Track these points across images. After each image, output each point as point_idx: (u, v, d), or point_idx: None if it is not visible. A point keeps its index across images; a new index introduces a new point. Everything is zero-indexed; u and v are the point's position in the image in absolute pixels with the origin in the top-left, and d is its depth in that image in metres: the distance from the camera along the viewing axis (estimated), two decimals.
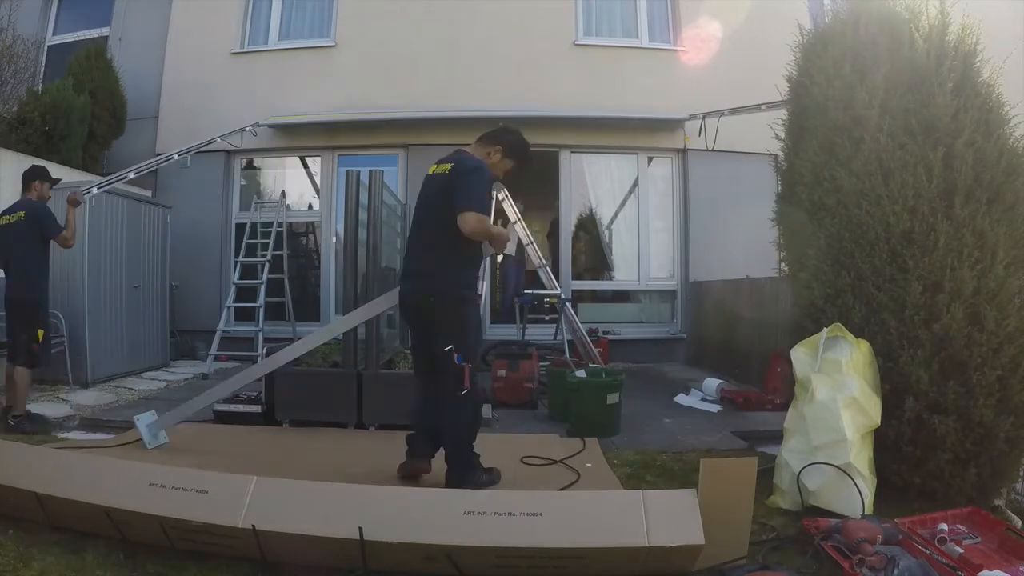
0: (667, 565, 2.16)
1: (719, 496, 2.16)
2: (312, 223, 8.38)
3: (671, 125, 7.59)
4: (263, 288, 6.77)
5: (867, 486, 2.62)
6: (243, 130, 6.54)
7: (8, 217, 4.14)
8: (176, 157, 6.12)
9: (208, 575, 2.18)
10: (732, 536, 2.24)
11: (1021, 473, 2.92)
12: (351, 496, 2.33)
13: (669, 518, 2.15)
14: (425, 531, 2.14)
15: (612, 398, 4.14)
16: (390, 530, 2.12)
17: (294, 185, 8.37)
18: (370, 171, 4.47)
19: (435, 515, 2.21)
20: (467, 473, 2.96)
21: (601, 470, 3.38)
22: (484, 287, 6.58)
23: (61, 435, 4.06)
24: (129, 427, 4.26)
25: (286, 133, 7.79)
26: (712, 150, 6.65)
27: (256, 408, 4.29)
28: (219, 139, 6.18)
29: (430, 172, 3.00)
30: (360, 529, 2.09)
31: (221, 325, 6.70)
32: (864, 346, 2.77)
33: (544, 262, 5.56)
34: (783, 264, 3.57)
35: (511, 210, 5.24)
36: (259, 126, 7.16)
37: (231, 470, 2.62)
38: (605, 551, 2.12)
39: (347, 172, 4.39)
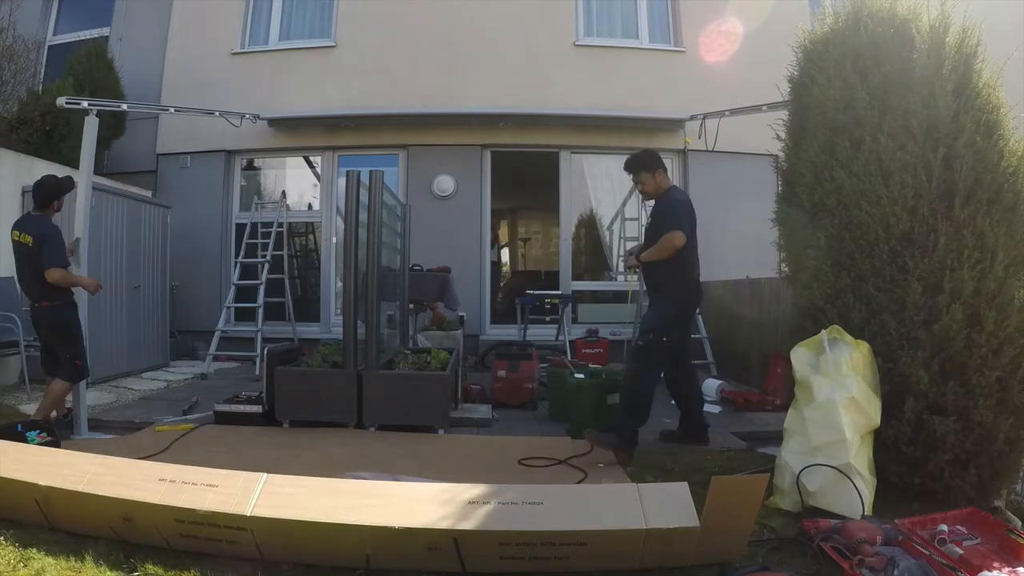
0: (666, 553, 2.20)
1: (724, 513, 2.17)
2: (312, 223, 8.39)
3: (671, 125, 7.59)
4: (263, 288, 6.77)
5: (867, 487, 2.62)
6: (243, 116, 6.53)
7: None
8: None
9: (208, 575, 2.18)
10: (730, 543, 2.26)
11: (1021, 474, 2.92)
12: (357, 490, 2.37)
13: (664, 505, 2.23)
14: (429, 518, 2.16)
15: (612, 398, 4.14)
16: (395, 518, 2.15)
17: (294, 185, 8.38)
18: (370, 171, 4.47)
19: (439, 505, 2.24)
20: None
21: (612, 469, 3.41)
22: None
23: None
24: (130, 427, 4.28)
25: (286, 132, 7.80)
26: (712, 151, 6.64)
27: (257, 408, 4.29)
28: (217, 113, 6.18)
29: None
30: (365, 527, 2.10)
31: (221, 325, 6.70)
32: (864, 347, 2.77)
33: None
34: (783, 264, 3.56)
35: None
36: (259, 118, 7.17)
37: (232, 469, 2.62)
38: (605, 535, 2.15)
39: (347, 172, 4.40)
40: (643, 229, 5.09)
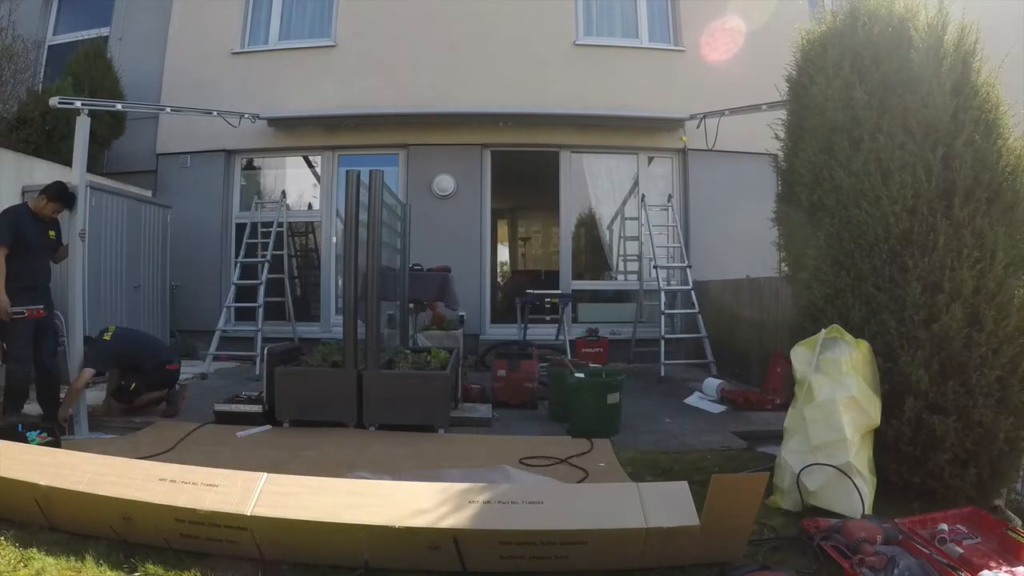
0: (666, 552, 2.20)
1: (723, 512, 2.18)
2: (312, 223, 8.39)
3: (671, 125, 7.59)
4: (263, 288, 6.77)
5: (867, 486, 2.62)
6: (242, 115, 6.53)
7: None
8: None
9: (208, 575, 2.19)
10: (730, 542, 2.26)
11: (1021, 473, 2.92)
12: (357, 490, 2.37)
13: (664, 504, 2.23)
14: (429, 518, 2.17)
15: (612, 398, 4.14)
16: (395, 518, 2.16)
17: (294, 185, 8.38)
18: (370, 171, 4.47)
19: (439, 504, 2.24)
20: None
21: (613, 469, 3.41)
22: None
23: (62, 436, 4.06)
24: (130, 427, 4.27)
25: (286, 132, 7.80)
26: (712, 150, 6.65)
27: (257, 408, 4.29)
28: (215, 113, 6.17)
29: None
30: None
31: (221, 325, 6.70)
32: (863, 346, 2.77)
33: None
34: (783, 264, 3.57)
35: None
36: (259, 118, 7.15)
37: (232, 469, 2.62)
38: (606, 534, 2.16)
39: (347, 172, 4.39)
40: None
